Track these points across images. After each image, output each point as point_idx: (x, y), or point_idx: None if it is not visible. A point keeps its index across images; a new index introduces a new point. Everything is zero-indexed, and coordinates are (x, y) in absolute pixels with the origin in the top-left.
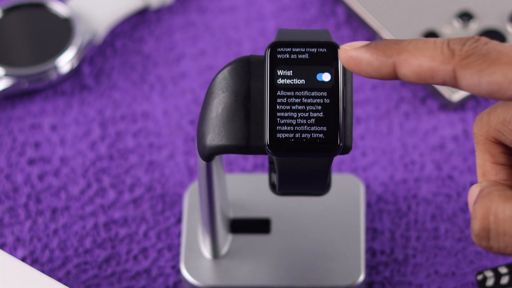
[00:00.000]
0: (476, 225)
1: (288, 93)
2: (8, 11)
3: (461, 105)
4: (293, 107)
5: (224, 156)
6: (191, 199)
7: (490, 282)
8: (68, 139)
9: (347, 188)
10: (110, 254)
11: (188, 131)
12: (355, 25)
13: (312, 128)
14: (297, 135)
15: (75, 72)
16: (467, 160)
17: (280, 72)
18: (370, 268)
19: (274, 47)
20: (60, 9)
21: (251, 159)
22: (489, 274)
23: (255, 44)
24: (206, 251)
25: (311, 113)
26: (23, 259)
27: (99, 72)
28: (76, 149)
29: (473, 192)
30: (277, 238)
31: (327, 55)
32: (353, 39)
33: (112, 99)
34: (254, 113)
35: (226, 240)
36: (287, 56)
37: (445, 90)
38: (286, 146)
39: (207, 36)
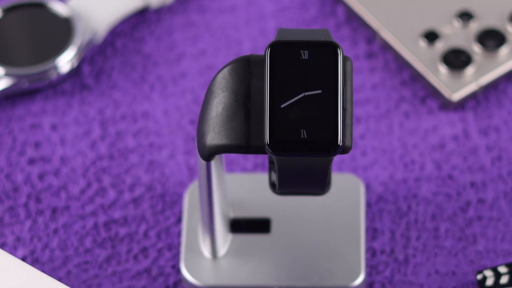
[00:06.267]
0: None
1: (288, 93)
2: (8, 11)
3: (461, 104)
4: (293, 107)
5: (224, 155)
6: (191, 199)
7: (490, 281)
8: (68, 139)
9: (347, 188)
10: (111, 254)
11: (188, 130)
12: (355, 25)
13: (312, 128)
14: (297, 134)
15: (75, 72)
16: (467, 160)
17: (280, 72)
18: (370, 268)
19: (274, 46)
20: (60, 9)
21: (251, 158)
22: (489, 273)
23: (255, 44)
24: (206, 250)
25: (311, 113)
26: (24, 259)
27: (99, 72)
28: (76, 149)
29: None
30: (277, 238)
31: (327, 55)
32: (353, 39)
33: (112, 99)
34: (254, 113)
35: (226, 240)
36: (287, 55)
37: (445, 90)
38: (286, 145)
39: (207, 36)
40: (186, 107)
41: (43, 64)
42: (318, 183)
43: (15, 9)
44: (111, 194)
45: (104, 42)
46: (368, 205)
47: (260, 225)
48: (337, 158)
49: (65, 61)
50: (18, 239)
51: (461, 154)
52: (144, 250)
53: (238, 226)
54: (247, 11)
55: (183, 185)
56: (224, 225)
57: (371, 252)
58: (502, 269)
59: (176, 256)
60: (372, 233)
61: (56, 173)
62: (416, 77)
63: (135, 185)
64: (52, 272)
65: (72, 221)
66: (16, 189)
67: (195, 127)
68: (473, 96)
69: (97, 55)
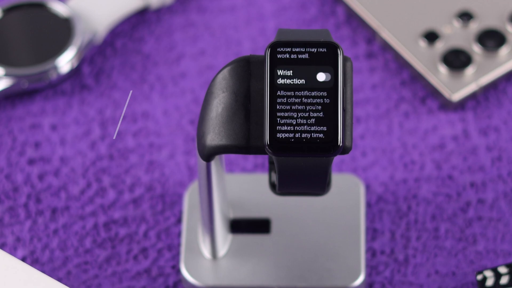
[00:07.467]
0: None
1: (288, 93)
2: (8, 11)
3: (461, 105)
4: (293, 107)
5: (224, 156)
6: (191, 199)
7: (489, 282)
8: (68, 139)
9: (347, 188)
10: (110, 254)
11: (188, 131)
12: (355, 25)
13: (312, 128)
14: (297, 135)
15: (75, 72)
16: (467, 160)
17: (280, 72)
18: (370, 268)
19: (274, 47)
20: (60, 9)
21: (251, 159)
22: (489, 274)
23: (255, 44)
24: (206, 251)
25: (311, 113)
26: (23, 259)
27: (99, 72)
28: (76, 149)
29: None
30: (277, 238)
31: (327, 55)
32: (353, 39)
33: (112, 99)
34: (254, 113)
35: (226, 240)
36: (287, 56)
37: (445, 90)
38: (286, 146)
39: (207, 36)
40: (185, 107)
41: (43, 64)
42: (318, 184)
43: (15, 9)
44: (111, 194)
45: (104, 42)
46: (368, 205)
47: (260, 226)
48: (337, 158)
49: (65, 61)
50: (18, 239)
51: (461, 154)
52: (144, 250)
53: (238, 226)
54: (247, 11)
55: (183, 185)
56: (224, 225)
57: (371, 253)
58: (502, 270)
59: (176, 257)
60: (372, 233)
61: (56, 173)
62: (416, 77)
63: (135, 186)
64: (52, 272)
65: (72, 222)
66: (16, 189)
67: (195, 127)
68: (473, 96)
69: (97, 55)
